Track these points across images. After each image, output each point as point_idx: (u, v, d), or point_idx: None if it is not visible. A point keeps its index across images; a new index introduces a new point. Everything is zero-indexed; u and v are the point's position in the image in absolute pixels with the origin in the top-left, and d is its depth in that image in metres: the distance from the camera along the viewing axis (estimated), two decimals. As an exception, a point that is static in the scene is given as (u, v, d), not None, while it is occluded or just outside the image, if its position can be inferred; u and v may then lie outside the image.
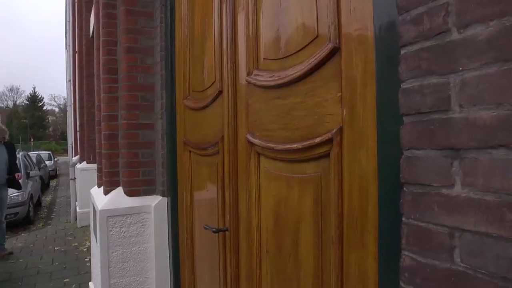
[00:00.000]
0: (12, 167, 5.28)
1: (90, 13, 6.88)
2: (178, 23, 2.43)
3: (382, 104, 0.87)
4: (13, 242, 6.43)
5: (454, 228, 0.65)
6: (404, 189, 0.75)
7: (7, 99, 56.00)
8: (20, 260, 5.21)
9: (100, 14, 2.86)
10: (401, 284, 0.75)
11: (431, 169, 0.69)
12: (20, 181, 5.72)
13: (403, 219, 0.75)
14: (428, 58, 0.71)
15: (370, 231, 0.94)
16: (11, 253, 5.25)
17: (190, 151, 2.26)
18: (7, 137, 5.25)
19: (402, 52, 0.76)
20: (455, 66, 0.66)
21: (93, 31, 6.57)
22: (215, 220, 1.89)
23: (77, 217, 7.25)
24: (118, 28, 2.74)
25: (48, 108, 59.46)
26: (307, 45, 1.20)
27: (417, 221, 0.71)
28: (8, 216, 7.52)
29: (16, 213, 7.68)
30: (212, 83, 1.89)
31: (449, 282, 0.65)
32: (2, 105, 54.14)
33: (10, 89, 58.10)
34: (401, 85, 0.76)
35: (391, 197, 0.81)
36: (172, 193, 2.50)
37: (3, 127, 5.23)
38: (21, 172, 5.53)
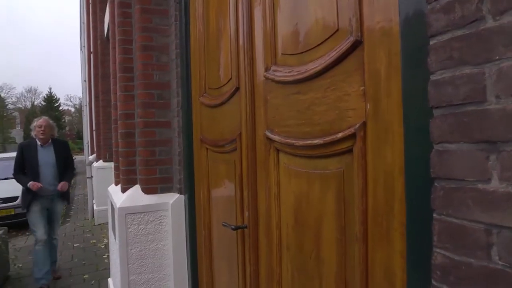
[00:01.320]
0: (64, 172, 4.11)
1: (104, 14, 6.95)
2: (193, 21, 2.43)
3: (408, 97, 0.84)
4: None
5: (491, 224, 0.62)
6: (435, 184, 0.72)
7: (26, 100, 57.08)
8: (41, 257, 5.31)
9: (116, 13, 2.87)
10: (433, 282, 0.72)
11: (464, 163, 0.66)
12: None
13: (435, 215, 0.72)
14: (460, 48, 0.68)
15: (397, 228, 0.91)
16: (59, 277, 4.46)
17: (206, 148, 2.26)
18: (56, 133, 4.27)
19: (432, 42, 0.73)
20: (491, 55, 0.63)
21: (107, 31, 6.64)
22: (233, 217, 1.88)
23: (94, 215, 7.36)
24: (134, 26, 2.75)
25: (64, 108, 60.46)
26: (327, 39, 1.17)
27: (450, 217, 0.69)
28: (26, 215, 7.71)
29: (35, 211, 7.80)
30: (229, 80, 1.88)
31: (487, 281, 0.62)
32: (21, 106, 55.20)
33: (28, 90, 59.22)
34: (430, 77, 0.74)
35: (420, 192, 0.78)
36: (189, 190, 2.50)
37: (51, 121, 4.17)
38: (70, 180, 4.27)
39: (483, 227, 0.63)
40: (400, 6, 0.86)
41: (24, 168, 3.96)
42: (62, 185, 4.03)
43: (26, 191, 3.96)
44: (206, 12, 2.22)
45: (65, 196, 4.29)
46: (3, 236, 4.18)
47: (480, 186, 0.64)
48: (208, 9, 2.18)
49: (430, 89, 0.73)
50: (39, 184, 3.83)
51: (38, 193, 3.91)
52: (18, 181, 3.96)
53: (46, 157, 4.03)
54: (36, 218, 3.98)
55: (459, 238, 0.67)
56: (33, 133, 4.11)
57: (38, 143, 4.04)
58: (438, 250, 0.72)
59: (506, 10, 0.61)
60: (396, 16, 0.88)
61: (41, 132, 4.00)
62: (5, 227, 4.60)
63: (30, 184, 3.83)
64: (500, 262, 0.61)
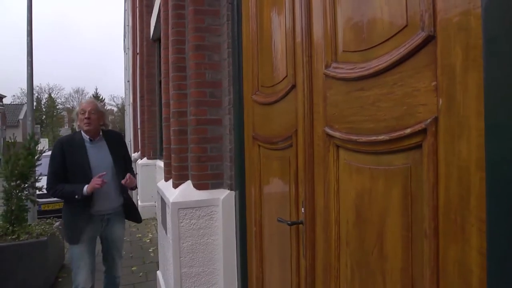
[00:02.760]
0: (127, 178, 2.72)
1: (151, 16, 7.21)
2: (245, 20, 2.48)
3: (491, 91, 0.83)
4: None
5: None
6: (523, 178, 0.72)
7: (73, 100, 60.15)
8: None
9: (170, 15, 2.99)
10: (520, 277, 0.71)
11: (559, 157, 0.65)
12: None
13: (522, 210, 0.71)
14: (554, 40, 0.67)
15: (474, 223, 0.90)
16: None
17: (259, 146, 2.30)
18: (108, 123, 2.98)
19: (520, 34, 0.72)
20: None
21: (153, 33, 6.88)
22: (287, 213, 1.91)
23: (139, 210, 7.64)
24: (187, 27, 2.85)
25: (108, 108, 63.19)
26: (394, 35, 1.17)
27: (541, 211, 0.68)
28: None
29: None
30: (284, 78, 1.91)
31: None
32: (69, 106, 58.24)
33: (76, 91, 62.39)
34: (519, 70, 0.73)
35: (505, 187, 0.77)
36: (240, 187, 2.56)
37: (99, 105, 2.89)
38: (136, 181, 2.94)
39: None
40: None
41: (65, 177, 2.62)
42: (129, 178, 2.69)
43: (72, 212, 2.64)
44: (259, 11, 2.26)
45: (131, 213, 2.96)
46: (60, 227, 4.44)
47: None
48: (262, 8, 2.22)
49: (518, 82, 0.73)
50: (101, 180, 2.56)
51: (92, 212, 2.66)
52: (58, 194, 2.61)
53: (99, 158, 2.72)
54: (80, 255, 2.65)
55: (552, 232, 0.66)
56: (76, 124, 2.84)
57: (85, 137, 2.74)
58: (526, 245, 0.71)
59: None
60: (478, 9, 0.88)
61: (86, 121, 2.66)
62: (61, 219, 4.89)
63: (88, 188, 2.54)
64: None
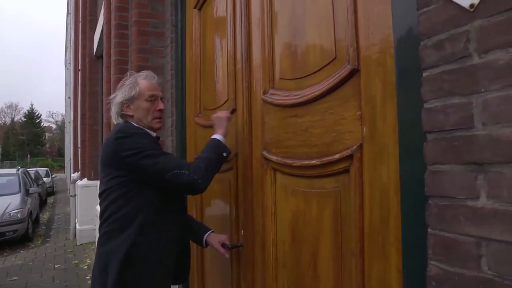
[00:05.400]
0: None
1: (94, 32, 7.01)
2: (189, 43, 2.51)
3: (403, 122, 0.92)
4: (12, 260, 6.38)
5: (480, 237, 0.69)
6: (429, 201, 0.80)
7: (5, 115, 56.12)
8: (20, 278, 5.16)
9: (112, 34, 2.94)
10: (429, 292, 0.79)
11: (456, 183, 0.74)
12: None
13: (429, 230, 0.79)
14: (450, 80, 0.76)
15: (393, 243, 0.98)
16: None
17: None
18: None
19: (424, 74, 0.82)
20: (477, 87, 0.71)
21: (96, 49, 6.68)
22: (228, 236, 1.92)
23: (76, 234, 7.21)
24: (130, 47, 2.82)
25: (45, 125, 59.58)
26: (325, 66, 1.26)
27: (443, 231, 0.76)
28: (7, 234, 7.51)
29: (15, 230, 7.64)
30: (225, 101, 1.95)
31: (478, 289, 0.69)
32: (0, 122, 54.14)
33: (9, 106, 58.32)
34: (424, 105, 0.82)
35: (415, 209, 0.86)
36: (182, 209, 2.52)
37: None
38: None
39: (473, 240, 0.70)
40: (395, 41, 0.96)
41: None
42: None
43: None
44: (203, 35, 2.31)
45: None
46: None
47: (469, 203, 0.71)
48: (206, 32, 2.27)
49: (424, 116, 0.82)
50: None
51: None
52: (211, 170, 1.59)
53: None
54: None
55: (452, 250, 0.74)
56: (117, 115, 1.68)
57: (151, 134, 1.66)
58: (433, 262, 0.78)
59: (490, 49, 0.70)
60: (391, 49, 0.98)
61: (159, 114, 1.70)
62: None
63: (221, 130, 1.73)
64: (489, 272, 0.68)
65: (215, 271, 2.13)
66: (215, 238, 1.78)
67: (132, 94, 1.64)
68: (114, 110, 1.67)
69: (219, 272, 2.07)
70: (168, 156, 1.55)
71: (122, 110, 1.66)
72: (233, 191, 1.86)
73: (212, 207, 2.18)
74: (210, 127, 2.12)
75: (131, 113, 1.65)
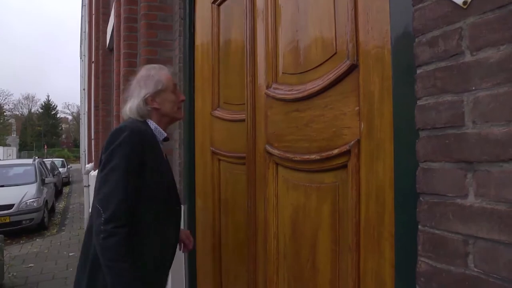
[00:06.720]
0: None
1: (107, 24, 7.08)
2: (200, 37, 2.52)
3: (398, 118, 0.93)
4: (28, 248, 6.57)
5: (468, 235, 0.70)
6: (420, 198, 0.80)
7: (23, 107, 57.27)
8: (36, 265, 5.32)
9: (122, 27, 2.98)
10: (418, 288, 0.80)
11: (446, 180, 0.74)
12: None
13: (419, 226, 0.80)
14: (442, 78, 0.76)
15: (387, 238, 0.99)
16: None
17: (219, 160, 2.23)
18: None
19: (418, 71, 0.82)
20: (468, 85, 0.71)
21: (109, 42, 6.75)
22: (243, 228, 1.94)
23: (90, 224, 7.36)
24: (139, 40, 2.85)
25: (61, 116, 60.61)
26: (325, 61, 1.26)
27: (432, 228, 0.77)
28: (23, 222, 7.72)
29: (32, 219, 7.84)
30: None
31: (464, 286, 0.70)
32: (18, 113, 55.32)
33: (26, 97, 59.43)
34: (417, 102, 0.82)
35: (407, 206, 0.86)
36: (189, 201, 2.56)
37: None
38: None
39: (461, 237, 0.71)
40: (392, 37, 0.96)
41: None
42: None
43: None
44: (224, 30, 2.22)
45: None
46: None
47: (458, 201, 0.72)
48: (229, 27, 2.20)
49: (417, 113, 0.82)
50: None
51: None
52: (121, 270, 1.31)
53: (171, 174, 1.73)
54: None
55: (441, 247, 0.75)
56: (158, 112, 1.60)
57: (159, 133, 1.61)
58: (422, 259, 0.79)
59: (482, 47, 0.69)
60: (389, 45, 0.98)
61: (180, 105, 1.70)
62: (1, 235, 4.63)
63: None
64: (475, 269, 0.68)
65: (235, 259, 2.15)
66: (182, 233, 1.83)
67: (159, 87, 1.58)
68: (132, 104, 1.56)
69: (237, 261, 2.10)
70: (123, 183, 1.37)
71: (146, 104, 1.56)
72: (244, 183, 1.86)
73: (231, 199, 2.13)
74: (231, 121, 2.05)
75: (157, 106, 1.58)
